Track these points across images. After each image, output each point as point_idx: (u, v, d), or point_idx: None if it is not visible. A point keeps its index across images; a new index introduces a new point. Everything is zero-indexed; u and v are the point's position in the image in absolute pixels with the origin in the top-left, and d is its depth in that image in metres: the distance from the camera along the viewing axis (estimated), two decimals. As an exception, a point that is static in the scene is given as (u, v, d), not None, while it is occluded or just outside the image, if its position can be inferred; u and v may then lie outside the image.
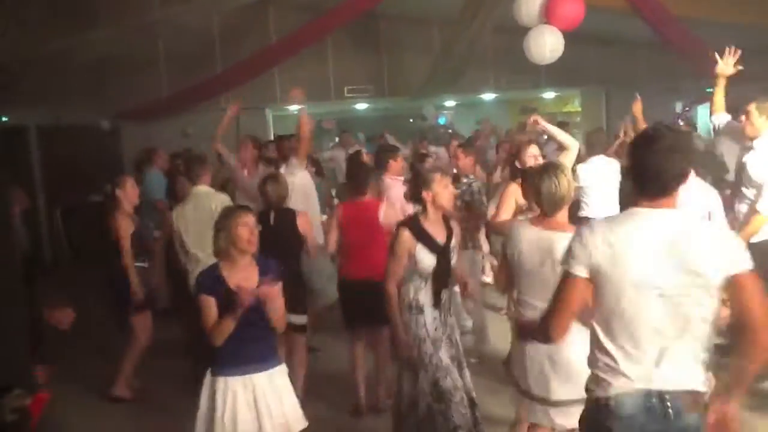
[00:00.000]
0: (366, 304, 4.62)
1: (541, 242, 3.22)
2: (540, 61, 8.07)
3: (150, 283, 5.45)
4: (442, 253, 3.84)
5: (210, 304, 3.26)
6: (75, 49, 8.39)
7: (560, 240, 3.11)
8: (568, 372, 3.17)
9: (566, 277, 2.35)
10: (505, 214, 4.55)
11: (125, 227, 5.26)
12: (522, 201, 4.46)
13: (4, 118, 8.97)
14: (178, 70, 11.52)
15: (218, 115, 12.27)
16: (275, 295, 3.27)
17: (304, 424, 3.48)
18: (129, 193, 5.37)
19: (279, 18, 11.87)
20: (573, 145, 4.66)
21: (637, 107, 6.35)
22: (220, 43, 11.92)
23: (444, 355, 3.85)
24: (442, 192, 3.86)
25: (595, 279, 2.29)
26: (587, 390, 2.40)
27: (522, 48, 8.14)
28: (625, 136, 7.02)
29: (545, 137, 6.11)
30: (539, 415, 3.32)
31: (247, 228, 3.34)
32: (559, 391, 3.22)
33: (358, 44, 12.65)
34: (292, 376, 4.01)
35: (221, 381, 3.31)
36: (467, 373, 3.97)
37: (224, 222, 3.38)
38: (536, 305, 3.21)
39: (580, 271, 2.30)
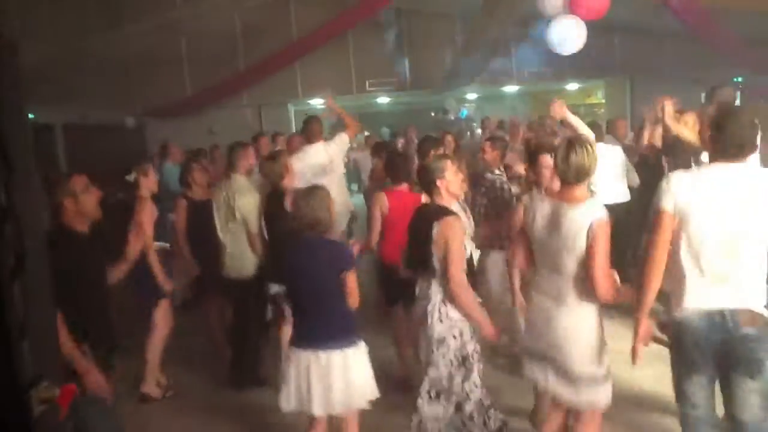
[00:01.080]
0: (406, 285, 4.75)
1: (552, 213, 3.20)
2: (563, 52, 7.97)
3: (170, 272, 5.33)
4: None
5: None
6: (101, 48, 8.47)
7: (569, 211, 3.11)
8: (587, 346, 3.17)
9: (657, 214, 2.93)
10: None
11: (148, 212, 5.07)
12: None
13: (31, 116, 9.10)
14: (201, 68, 11.60)
15: (241, 111, 12.58)
16: None
17: (362, 404, 3.53)
18: (150, 180, 5.30)
19: (301, 14, 11.88)
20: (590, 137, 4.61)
21: (661, 104, 6.28)
22: (243, 40, 11.96)
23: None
24: (455, 179, 3.81)
25: (679, 215, 2.89)
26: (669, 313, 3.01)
27: (545, 40, 8.06)
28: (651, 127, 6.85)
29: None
30: (558, 388, 3.29)
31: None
32: (581, 365, 3.18)
33: (380, 38, 12.62)
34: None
35: (295, 353, 3.49)
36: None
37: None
38: (544, 280, 3.25)
39: (668, 208, 2.90)
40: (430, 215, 3.76)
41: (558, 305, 3.19)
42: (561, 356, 3.18)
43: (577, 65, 12.46)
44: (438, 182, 3.76)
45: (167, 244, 5.41)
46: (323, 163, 6.37)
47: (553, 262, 3.18)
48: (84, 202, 3.46)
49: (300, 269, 3.48)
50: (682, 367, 3.04)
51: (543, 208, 3.25)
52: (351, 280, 3.46)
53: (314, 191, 3.60)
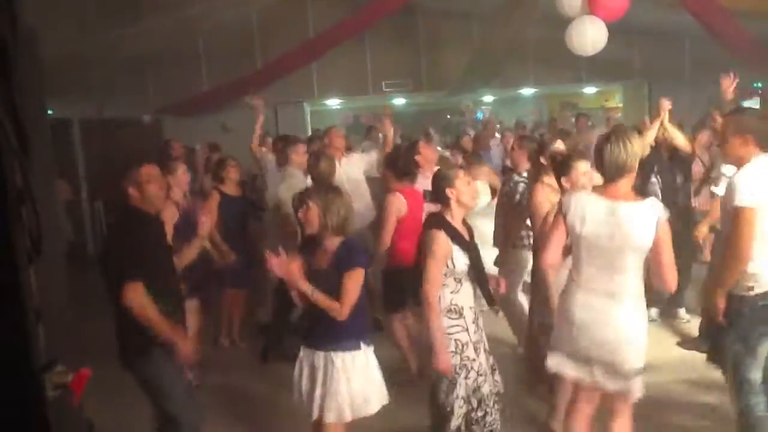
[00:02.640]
0: (401, 290, 4.89)
1: (609, 212, 3.18)
2: (582, 52, 7.94)
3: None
4: (474, 251, 3.74)
5: None
6: (118, 44, 8.51)
7: (631, 209, 3.14)
8: (641, 342, 3.24)
9: (740, 210, 3.34)
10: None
11: (170, 215, 5.19)
12: (555, 200, 4.37)
13: (49, 111, 9.16)
14: (218, 65, 11.63)
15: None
16: (282, 274, 3.35)
17: (367, 411, 3.46)
18: (180, 179, 5.35)
19: (318, 12, 11.88)
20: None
21: (665, 107, 6.40)
22: (260, 37, 11.98)
23: (483, 360, 3.76)
24: (466, 189, 3.75)
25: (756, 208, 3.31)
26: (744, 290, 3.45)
27: (563, 42, 8.02)
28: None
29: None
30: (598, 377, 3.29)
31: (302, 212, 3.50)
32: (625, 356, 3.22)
33: (397, 38, 12.60)
34: None
35: (303, 351, 3.53)
36: (498, 376, 3.90)
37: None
38: (594, 279, 3.23)
39: (751, 203, 3.31)
40: (425, 223, 3.82)
41: (613, 303, 3.21)
42: (614, 353, 3.20)
43: (595, 68, 12.39)
44: (447, 191, 3.71)
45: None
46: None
47: (610, 261, 3.19)
48: (148, 192, 3.59)
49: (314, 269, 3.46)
50: (747, 355, 3.39)
51: (594, 207, 3.23)
52: (350, 282, 3.37)
53: (332, 193, 3.56)
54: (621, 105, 15.70)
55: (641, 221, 3.12)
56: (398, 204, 5.03)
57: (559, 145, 4.70)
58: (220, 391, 5.39)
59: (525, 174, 5.49)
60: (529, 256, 5.38)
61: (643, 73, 13.03)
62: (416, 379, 5.02)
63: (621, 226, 3.14)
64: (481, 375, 3.71)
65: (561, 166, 4.23)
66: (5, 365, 1.15)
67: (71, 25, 7.16)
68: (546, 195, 4.50)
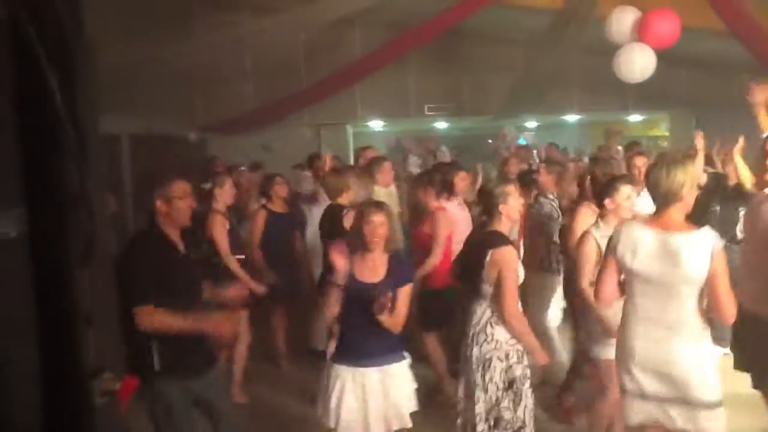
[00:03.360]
0: (438, 309, 4.99)
1: (662, 243, 3.08)
2: (630, 80, 7.85)
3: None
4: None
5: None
6: (168, 60, 8.69)
7: (686, 240, 3.05)
8: (712, 373, 3.14)
9: None
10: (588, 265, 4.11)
11: (220, 226, 5.24)
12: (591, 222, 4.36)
13: (99, 126, 9.36)
14: (264, 84, 11.77)
15: (300, 130, 12.71)
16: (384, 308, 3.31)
17: (405, 423, 3.50)
18: (226, 193, 5.44)
19: (365, 35, 11.98)
20: None
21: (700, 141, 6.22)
22: (306, 58, 12.12)
23: None
24: (517, 205, 3.82)
25: None
26: None
27: (609, 68, 7.95)
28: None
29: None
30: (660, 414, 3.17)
31: (372, 225, 3.44)
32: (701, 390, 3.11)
33: (440, 62, 12.62)
34: None
35: (334, 368, 3.49)
36: None
37: (356, 218, 3.59)
38: (650, 310, 3.13)
39: None
40: (486, 241, 3.76)
41: (675, 335, 3.10)
42: (684, 389, 3.10)
43: (642, 96, 12.22)
44: (500, 207, 3.76)
45: (242, 256, 5.44)
46: None
47: (667, 293, 3.09)
48: (177, 206, 3.52)
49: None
50: None
51: (646, 239, 3.13)
52: (405, 295, 3.45)
53: (389, 209, 3.61)
54: (667, 133, 15.45)
55: (694, 252, 3.02)
56: (448, 221, 5.08)
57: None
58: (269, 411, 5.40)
59: (551, 196, 5.58)
60: (558, 280, 5.35)
61: (690, 101, 12.81)
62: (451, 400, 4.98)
63: (673, 257, 3.04)
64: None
65: (606, 188, 4.21)
66: (55, 370, 1.14)
67: (122, 40, 7.34)
68: (587, 219, 4.45)
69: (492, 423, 3.64)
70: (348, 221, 5.02)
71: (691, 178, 3.15)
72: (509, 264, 3.62)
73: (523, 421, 3.63)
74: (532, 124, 17.26)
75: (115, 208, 7.60)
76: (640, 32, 7.41)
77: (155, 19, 8.16)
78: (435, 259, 5.07)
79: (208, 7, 11.23)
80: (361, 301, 3.35)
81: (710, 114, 12.45)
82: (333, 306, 3.46)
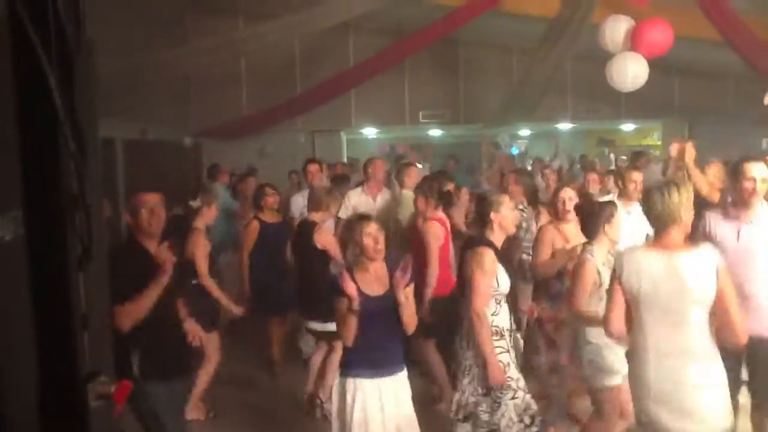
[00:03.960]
0: (437, 318, 4.95)
1: (667, 265, 3.02)
2: (622, 88, 7.89)
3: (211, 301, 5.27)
4: (511, 274, 3.86)
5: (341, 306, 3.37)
6: (163, 65, 8.69)
7: (688, 260, 3.00)
8: (725, 398, 3.05)
9: None
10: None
11: (201, 246, 5.15)
12: (559, 245, 4.42)
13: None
14: (259, 90, 11.79)
15: (294, 136, 12.73)
16: (402, 283, 3.33)
17: (415, 428, 3.52)
18: (212, 212, 5.35)
19: (359, 42, 12.02)
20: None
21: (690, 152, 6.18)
22: (301, 64, 12.14)
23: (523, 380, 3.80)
24: (510, 214, 3.83)
25: None
26: None
27: (602, 77, 7.99)
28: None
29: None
30: None
31: (371, 237, 3.41)
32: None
33: (435, 69, 12.66)
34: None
35: (351, 382, 3.43)
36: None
37: (350, 234, 3.55)
38: (663, 339, 3.03)
39: None
40: (468, 245, 3.88)
41: (688, 362, 3.00)
42: (701, 420, 2.99)
43: (634, 105, 12.28)
44: (492, 215, 3.78)
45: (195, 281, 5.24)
46: None
47: (675, 318, 3.00)
48: (142, 219, 3.54)
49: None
50: None
51: (650, 262, 3.06)
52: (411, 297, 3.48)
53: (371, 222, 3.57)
54: (660, 142, 15.52)
55: (700, 270, 2.96)
56: (439, 232, 5.07)
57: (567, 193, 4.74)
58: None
59: (521, 206, 5.64)
60: (527, 289, 5.39)
61: (682, 110, 12.88)
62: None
63: (680, 277, 2.98)
64: (527, 393, 3.75)
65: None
66: (50, 372, 1.14)
67: (117, 46, 7.34)
68: (553, 234, 4.58)
69: (462, 417, 3.74)
70: (319, 238, 5.03)
71: (688, 198, 3.09)
72: (481, 263, 3.65)
73: (498, 427, 3.64)
74: (525, 132, 17.30)
75: (108, 213, 7.56)
76: (633, 41, 7.45)
77: (150, 25, 8.16)
78: (434, 271, 5.08)
79: (203, 14, 11.26)
80: (372, 313, 3.32)
81: (702, 123, 12.55)
82: (351, 333, 3.37)
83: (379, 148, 17.21)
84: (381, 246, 3.43)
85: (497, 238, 3.80)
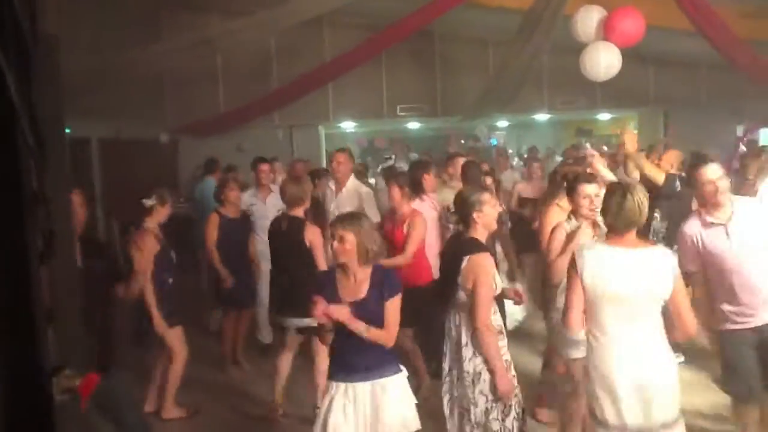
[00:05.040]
0: (414, 308, 4.75)
1: (628, 262, 3.07)
2: (595, 78, 7.95)
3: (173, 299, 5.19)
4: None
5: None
6: (136, 63, 8.61)
7: (649, 258, 3.08)
8: (676, 392, 3.14)
9: None
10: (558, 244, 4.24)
11: (148, 248, 4.94)
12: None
13: (67, 130, 9.24)
14: (235, 86, 11.72)
15: (272, 131, 12.68)
16: (342, 318, 3.20)
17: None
18: (164, 211, 5.15)
19: (334, 36, 11.99)
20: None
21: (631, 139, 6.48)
22: (277, 59, 12.09)
23: None
24: (492, 213, 3.77)
25: None
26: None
27: (578, 68, 8.04)
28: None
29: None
30: None
31: (336, 242, 3.33)
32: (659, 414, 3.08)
33: (413, 63, 12.67)
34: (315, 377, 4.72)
35: (329, 384, 3.41)
36: None
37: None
38: (617, 337, 3.09)
39: None
40: (461, 248, 3.71)
41: (637, 357, 3.07)
42: (648, 407, 3.07)
43: (610, 95, 12.38)
44: (475, 215, 3.70)
45: (170, 279, 5.17)
46: None
47: (632, 313, 3.07)
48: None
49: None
50: None
51: (610, 258, 3.12)
52: (394, 308, 3.33)
53: (367, 221, 3.51)
54: (636, 131, 15.66)
55: (658, 268, 3.05)
56: (424, 224, 5.18)
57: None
58: (224, 416, 5.38)
59: None
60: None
61: (658, 99, 13.02)
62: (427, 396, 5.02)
63: (638, 273, 3.05)
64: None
65: (569, 186, 4.30)
66: (14, 366, 1.14)
67: (89, 43, 7.27)
68: (557, 216, 4.52)
69: None
70: (308, 235, 4.95)
71: (645, 200, 3.11)
72: (485, 271, 3.55)
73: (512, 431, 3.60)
74: (503, 123, 17.38)
75: (84, 211, 7.50)
76: (606, 31, 7.51)
77: (123, 22, 8.08)
78: (403, 260, 5.08)
79: (176, 10, 11.16)
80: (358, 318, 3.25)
81: (678, 111, 12.69)
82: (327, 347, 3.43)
83: (357, 142, 17.22)
84: (345, 253, 3.30)
85: (481, 237, 3.73)
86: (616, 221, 3.10)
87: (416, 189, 5.52)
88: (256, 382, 5.92)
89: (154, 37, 8.91)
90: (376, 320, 3.25)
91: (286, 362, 5.12)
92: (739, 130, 12.39)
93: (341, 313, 3.19)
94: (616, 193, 3.11)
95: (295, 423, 5.05)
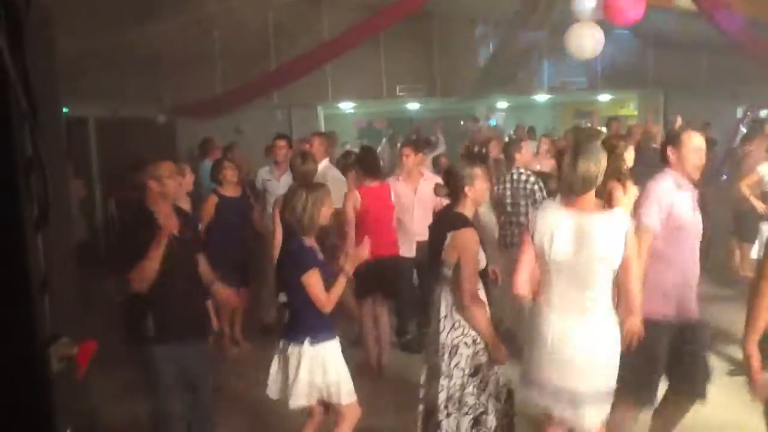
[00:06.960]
0: (380, 280, 5.39)
1: (579, 224, 3.03)
2: (579, 57, 7.92)
3: None
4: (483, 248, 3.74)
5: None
6: (134, 43, 8.55)
7: (600, 222, 3.02)
8: (612, 359, 3.13)
9: None
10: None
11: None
12: None
13: (64, 110, 9.19)
14: (233, 66, 11.66)
15: (271, 112, 12.63)
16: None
17: (347, 399, 3.64)
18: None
19: (332, 16, 11.92)
20: None
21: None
22: (275, 40, 12.01)
23: None
24: (483, 188, 3.77)
25: None
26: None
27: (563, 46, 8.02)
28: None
29: None
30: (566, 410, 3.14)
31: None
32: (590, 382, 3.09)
33: (412, 43, 12.61)
34: None
35: (281, 345, 3.74)
36: None
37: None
38: (565, 296, 3.09)
39: None
40: (446, 223, 3.73)
41: (582, 322, 3.06)
42: (581, 374, 3.06)
43: (610, 76, 12.34)
44: (466, 189, 3.70)
45: None
46: None
47: (580, 277, 3.04)
48: (167, 186, 3.74)
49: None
50: None
51: (561, 222, 3.08)
52: (311, 284, 3.55)
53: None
54: (636, 112, 15.63)
55: (609, 233, 2.99)
56: (354, 200, 5.45)
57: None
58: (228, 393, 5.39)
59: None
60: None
61: (658, 81, 12.97)
62: (376, 374, 5.45)
63: (588, 238, 2.99)
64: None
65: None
66: (9, 335, 1.13)
67: (87, 24, 7.20)
68: None
69: (451, 410, 3.61)
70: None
71: (604, 160, 3.01)
72: (468, 247, 3.55)
73: (486, 408, 3.60)
74: (502, 104, 17.33)
75: (83, 194, 7.51)
76: (606, 11, 7.46)
77: (119, 3, 8.01)
78: (350, 242, 5.26)
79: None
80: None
81: (678, 93, 12.65)
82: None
83: (356, 123, 17.17)
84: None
85: (469, 212, 3.74)
86: (571, 181, 3.02)
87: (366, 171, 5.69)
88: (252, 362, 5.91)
89: (150, 17, 8.80)
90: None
91: None
92: (739, 112, 12.36)
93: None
94: (569, 154, 3.02)
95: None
